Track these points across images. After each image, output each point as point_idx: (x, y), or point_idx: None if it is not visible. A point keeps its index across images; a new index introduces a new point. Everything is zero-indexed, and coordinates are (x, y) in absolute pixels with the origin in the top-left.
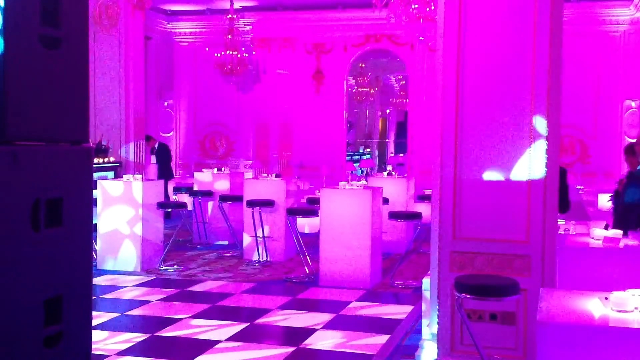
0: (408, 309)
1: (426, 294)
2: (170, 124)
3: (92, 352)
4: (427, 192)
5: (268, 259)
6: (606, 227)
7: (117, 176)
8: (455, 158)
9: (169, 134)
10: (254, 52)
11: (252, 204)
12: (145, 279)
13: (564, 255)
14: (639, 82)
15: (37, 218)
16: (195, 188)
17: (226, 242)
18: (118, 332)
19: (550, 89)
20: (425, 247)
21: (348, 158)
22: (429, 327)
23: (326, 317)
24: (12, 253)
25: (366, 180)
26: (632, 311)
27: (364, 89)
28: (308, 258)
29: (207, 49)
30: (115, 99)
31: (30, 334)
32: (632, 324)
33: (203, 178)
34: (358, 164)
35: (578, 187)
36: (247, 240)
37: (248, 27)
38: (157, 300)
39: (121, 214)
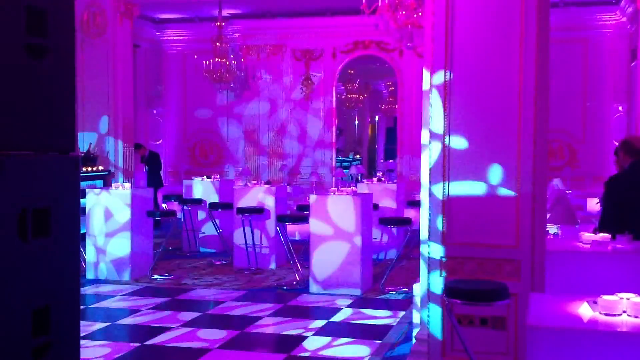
0: (399, 314)
1: (417, 299)
2: (160, 132)
3: None
4: (417, 197)
5: (258, 266)
6: (595, 231)
7: (106, 185)
8: (444, 162)
9: (158, 142)
10: (242, 60)
11: (242, 211)
12: (135, 287)
13: (553, 259)
14: (626, 86)
15: (25, 228)
16: (185, 196)
17: (216, 250)
18: (108, 341)
19: (538, 96)
20: (415, 252)
21: (338, 164)
22: (420, 333)
23: (317, 323)
24: None
25: (356, 187)
26: (620, 315)
27: (353, 96)
28: (298, 265)
29: (195, 56)
30: (104, 108)
31: (18, 344)
32: (620, 328)
33: (193, 186)
34: (348, 170)
35: (567, 191)
36: (237, 247)
37: (236, 35)
38: (147, 309)
39: (110, 222)
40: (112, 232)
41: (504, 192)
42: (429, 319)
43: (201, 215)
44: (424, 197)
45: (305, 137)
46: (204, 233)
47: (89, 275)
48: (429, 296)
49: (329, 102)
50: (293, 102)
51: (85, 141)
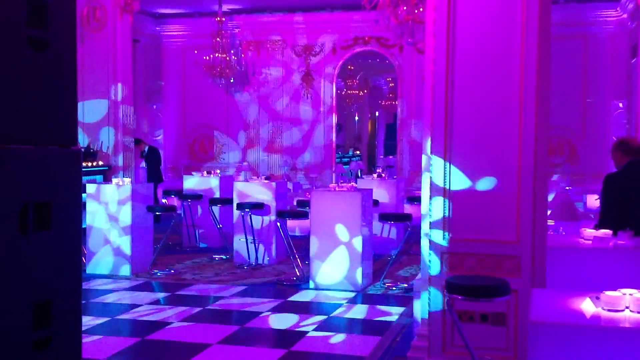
0: (399, 310)
1: (417, 295)
2: (159, 127)
3: (82, 357)
4: (417, 193)
5: (258, 262)
6: (596, 227)
7: (106, 180)
8: (445, 158)
9: (158, 137)
10: (242, 55)
11: (242, 206)
12: (135, 282)
13: (553, 255)
14: (626, 82)
15: (26, 221)
16: (185, 191)
17: (216, 245)
18: (108, 336)
19: (539, 92)
20: (416, 248)
21: (338, 160)
22: (421, 328)
23: (317, 319)
24: (0, 257)
25: (356, 182)
26: (622, 310)
27: (353, 91)
28: (298, 260)
29: (195, 51)
30: (104, 102)
31: (18, 338)
32: (623, 323)
33: (193, 181)
34: (348, 166)
35: (567, 187)
36: (237, 243)
37: (237, 30)
38: (147, 304)
39: (110, 217)
40: (112, 227)
41: (505, 188)
42: (430, 314)
43: (201, 210)
44: (424, 193)
45: (305, 133)
46: (204, 228)
47: (90, 270)
48: (430, 292)
49: (329, 97)
50: (293, 97)
51: (85, 136)
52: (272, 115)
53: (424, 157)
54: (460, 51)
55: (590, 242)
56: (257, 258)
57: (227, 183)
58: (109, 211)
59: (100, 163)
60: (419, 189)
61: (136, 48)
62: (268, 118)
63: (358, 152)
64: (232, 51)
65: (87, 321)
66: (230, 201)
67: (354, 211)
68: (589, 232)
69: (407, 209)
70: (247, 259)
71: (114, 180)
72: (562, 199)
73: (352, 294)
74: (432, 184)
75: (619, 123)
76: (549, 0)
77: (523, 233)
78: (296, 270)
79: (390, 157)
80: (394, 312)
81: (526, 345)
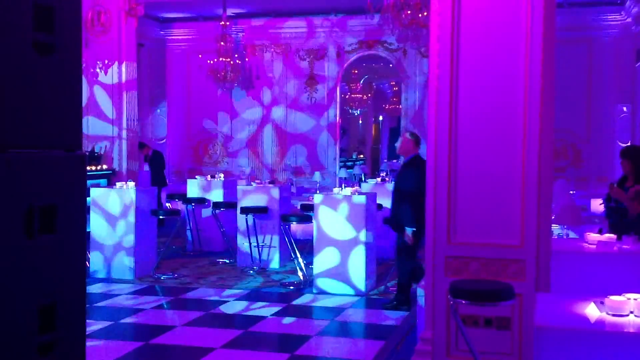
0: (403, 314)
1: (421, 299)
2: (163, 131)
3: None
4: None
5: (262, 266)
6: (600, 232)
7: (110, 184)
8: (449, 162)
9: (162, 141)
10: (246, 59)
11: (246, 210)
12: (139, 286)
13: (558, 259)
14: (631, 86)
15: (31, 225)
16: (189, 195)
17: (220, 249)
18: (112, 340)
19: (544, 95)
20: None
21: (341, 164)
22: (424, 333)
23: (321, 323)
24: (4, 260)
25: (360, 186)
26: (627, 315)
27: (357, 95)
28: (302, 264)
29: (200, 55)
30: (108, 106)
31: (23, 341)
32: (627, 328)
33: (196, 185)
34: (352, 170)
35: (571, 191)
36: (241, 247)
37: (241, 34)
38: (151, 308)
39: (114, 221)
40: (116, 231)
41: (509, 191)
42: (433, 318)
43: (205, 214)
44: (428, 196)
45: (309, 137)
46: (207, 232)
47: (94, 273)
48: (434, 296)
49: (333, 101)
50: (297, 101)
51: (89, 140)
52: (275, 121)
53: (427, 160)
54: (464, 55)
55: (595, 246)
56: (260, 262)
57: (230, 187)
58: (113, 215)
59: (104, 167)
60: None
61: (141, 52)
62: (271, 122)
63: (362, 155)
64: (236, 55)
65: (90, 325)
66: (234, 205)
67: (358, 215)
68: (594, 236)
69: None
70: (250, 263)
71: (118, 184)
72: (566, 203)
73: (356, 298)
74: (435, 187)
75: (623, 127)
76: (553, 3)
77: (527, 237)
78: (300, 274)
79: (394, 161)
80: (397, 317)
81: (531, 349)
